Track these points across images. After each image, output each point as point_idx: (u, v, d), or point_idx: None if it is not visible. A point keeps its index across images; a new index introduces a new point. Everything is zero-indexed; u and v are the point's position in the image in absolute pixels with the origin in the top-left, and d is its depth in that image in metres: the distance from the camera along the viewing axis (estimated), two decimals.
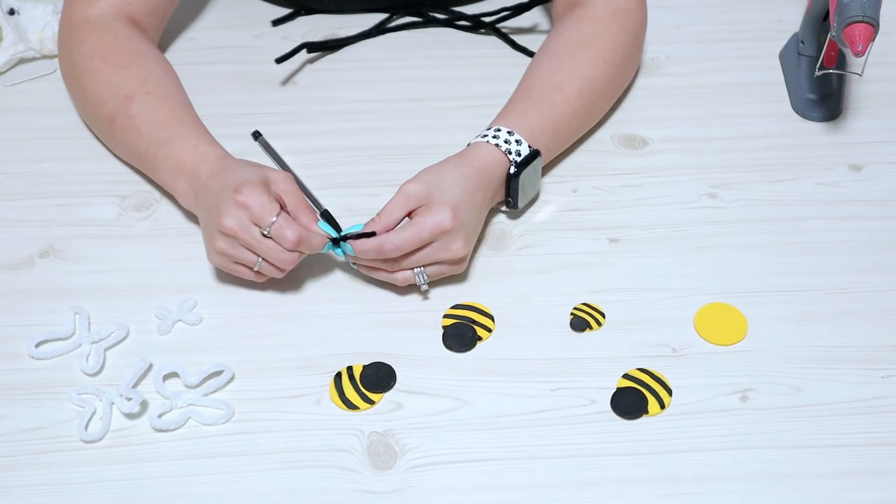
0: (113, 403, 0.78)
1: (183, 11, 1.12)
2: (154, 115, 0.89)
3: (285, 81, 1.05)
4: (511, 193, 0.88)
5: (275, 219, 0.79)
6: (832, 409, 0.78)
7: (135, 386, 0.79)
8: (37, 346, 0.81)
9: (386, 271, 0.84)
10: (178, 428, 0.77)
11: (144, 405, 0.78)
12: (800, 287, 0.86)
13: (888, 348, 0.82)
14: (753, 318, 0.84)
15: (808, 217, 0.92)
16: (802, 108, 1.01)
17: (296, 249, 0.80)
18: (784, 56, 1.07)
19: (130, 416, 0.78)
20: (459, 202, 0.82)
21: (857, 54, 0.85)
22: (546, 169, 0.95)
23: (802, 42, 1.04)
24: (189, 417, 0.77)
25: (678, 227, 0.91)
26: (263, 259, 0.80)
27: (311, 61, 1.07)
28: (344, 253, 0.83)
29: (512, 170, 0.87)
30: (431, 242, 0.82)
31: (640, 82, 1.05)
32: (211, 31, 1.11)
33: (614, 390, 0.79)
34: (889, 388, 0.79)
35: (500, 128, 0.88)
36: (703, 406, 0.78)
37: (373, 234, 0.82)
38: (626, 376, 0.80)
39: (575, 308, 0.85)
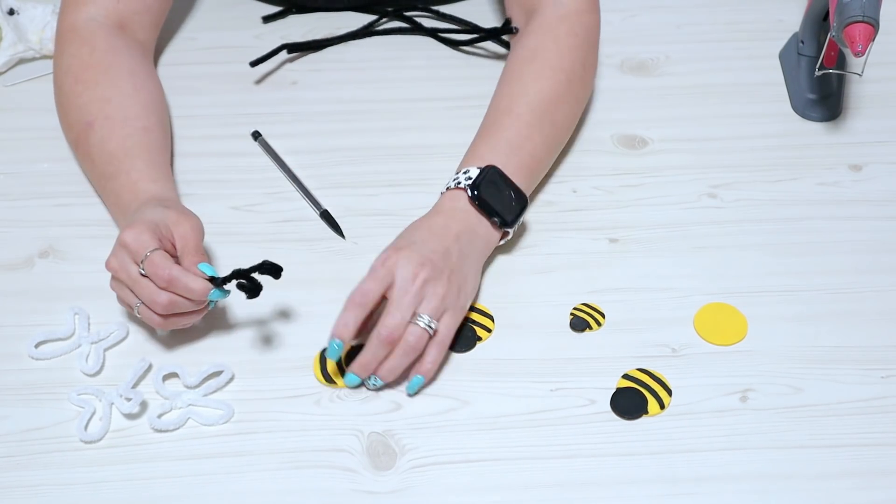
0: (113, 404, 0.78)
1: (181, 11, 1.12)
2: (106, 146, 0.88)
3: (285, 82, 1.05)
4: (490, 213, 0.84)
5: (147, 254, 0.76)
6: (832, 409, 0.78)
7: (134, 386, 0.79)
8: (36, 346, 0.81)
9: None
10: (178, 428, 0.77)
11: (144, 405, 0.78)
12: (800, 287, 0.86)
13: (888, 348, 0.82)
14: (753, 318, 0.84)
15: (808, 217, 0.92)
16: (802, 108, 1.01)
17: (168, 288, 0.76)
18: (784, 56, 1.07)
19: (130, 416, 0.78)
20: (406, 241, 0.81)
21: (857, 54, 0.85)
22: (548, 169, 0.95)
23: (802, 42, 1.04)
24: (189, 418, 0.77)
25: (678, 227, 0.91)
26: (141, 301, 0.77)
27: (311, 62, 1.07)
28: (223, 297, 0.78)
29: (469, 193, 0.84)
30: (392, 286, 0.78)
31: (640, 82, 1.05)
32: (209, 31, 1.11)
33: (614, 390, 0.79)
34: (889, 388, 0.79)
35: (456, 174, 0.86)
36: (703, 406, 0.78)
37: (278, 269, 0.77)
38: (625, 376, 0.80)
39: (575, 308, 0.85)
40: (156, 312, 0.77)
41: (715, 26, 1.12)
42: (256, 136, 0.99)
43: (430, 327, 0.78)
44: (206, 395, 0.79)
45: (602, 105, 1.02)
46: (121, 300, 0.80)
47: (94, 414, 0.77)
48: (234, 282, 0.77)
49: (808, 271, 0.88)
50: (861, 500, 0.73)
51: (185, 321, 0.79)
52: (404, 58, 1.08)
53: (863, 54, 0.85)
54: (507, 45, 1.07)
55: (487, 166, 0.85)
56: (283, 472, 0.75)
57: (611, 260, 0.89)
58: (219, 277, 0.77)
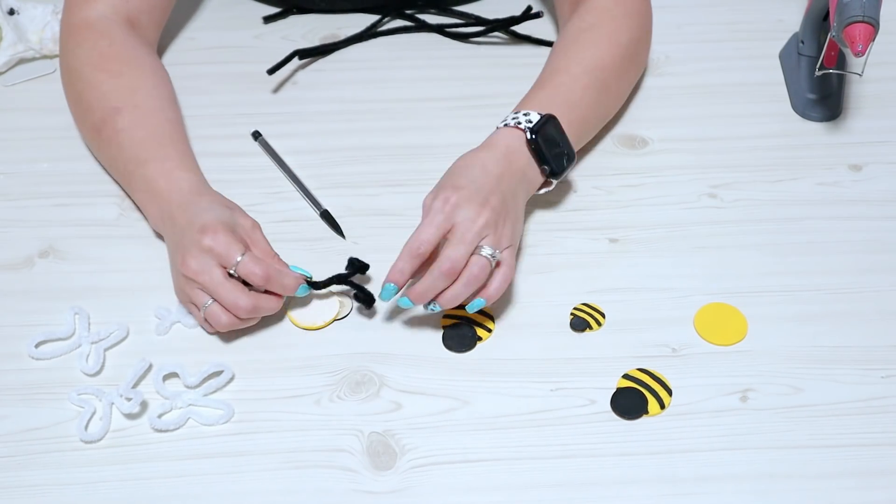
0: (113, 404, 0.78)
1: (181, 11, 1.12)
2: (137, 132, 0.89)
3: (285, 82, 1.05)
4: (542, 160, 0.85)
5: (240, 258, 0.78)
6: (832, 409, 0.78)
7: (135, 386, 0.79)
8: (37, 346, 0.81)
9: (441, 292, 0.80)
10: (178, 428, 0.77)
11: (144, 405, 0.78)
12: (800, 287, 0.86)
13: (888, 348, 0.82)
14: (753, 318, 0.84)
15: (808, 217, 0.92)
16: (802, 108, 1.01)
17: (265, 286, 0.79)
18: (784, 56, 1.07)
19: (130, 416, 0.78)
20: (465, 180, 0.81)
21: (857, 54, 0.85)
22: None
23: (802, 42, 1.04)
24: (189, 417, 0.77)
25: (678, 227, 0.91)
26: (215, 301, 0.79)
27: (310, 62, 1.07)
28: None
29: (528, 136, 0.85)
30: (454, 227, 0.79)
31: (641, 82, 1.05)
32: (210, 31, 1.11)
33: (614, 390, 0.79)
34: (889, 388, 0.79)
35: (512, 113, 0.88)
36: (703, 406, 0.78)
37: (365, 266, 0.84)
38: (626, 376, 0.80)
39: (575, 308, 0.85)
40: (235, 315, 0.79)
41: (715, 26, 1.12)
42: (256, 136, 0.99)
43: (492, 258, 0.79)
44: (206, 395, 0.79)
45: None
46: (185, 298, 0.82)
47: (94, 414, 0.77)
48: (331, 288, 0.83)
49: (808, 271, 0.88)
50: (861, 500, 0.73)
51: (245, 324, 0.81)
52: (405, 58, 1.08)
53: (863, 54, 0.85)
54: (522, 37, 1.07)
55: (548, 114, 0.87)
56: (283, 472, 0.75)
57: (611, 260, 0.89)
58: (318, 281, 0.82)
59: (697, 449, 0.76)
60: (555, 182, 0.88)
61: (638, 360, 0.81)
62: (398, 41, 1.10)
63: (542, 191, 0.88)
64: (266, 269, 0.79)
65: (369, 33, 1.10)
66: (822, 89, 1.01)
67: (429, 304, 0.80)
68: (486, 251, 0.79)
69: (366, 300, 0.83)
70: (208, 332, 0.83)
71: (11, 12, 1.05)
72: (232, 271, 0.79)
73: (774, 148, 0.99)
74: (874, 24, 0.85)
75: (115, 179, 0.94)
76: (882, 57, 1.00)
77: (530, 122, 0.86)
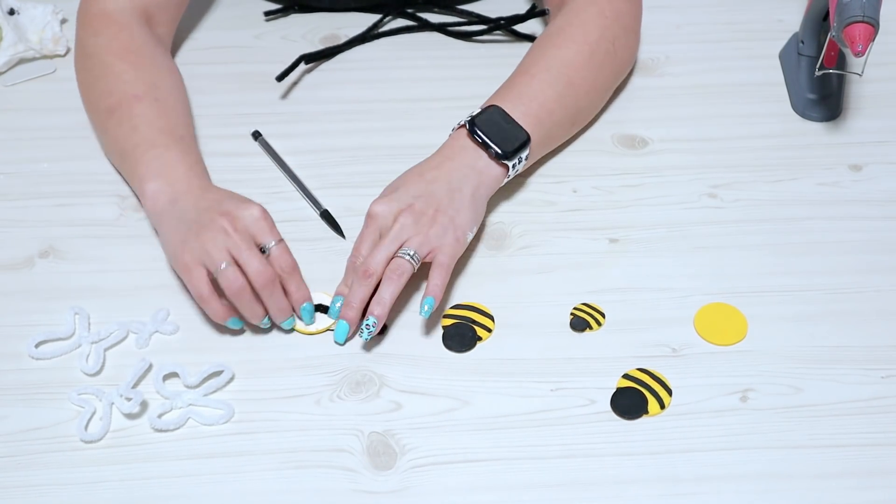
0: (113, 403, 0.78)
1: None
2: (156, 122, 0.89)
3: (286, 82, 1.05)
4: (486, 145, 0.87)
5: (276, 242, 0.81)
6: (832, 409, 0.78)
7: (135, 386, 0.79)
8: (37, 346, 0.81)
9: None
10: (178, 428, 0.77)
11: (144, 405, 0.78)
12: (800, 287, 0.86)
13: (888, 348, 0.82)
14: (753, 318, 0.84)
15: (808, 217, 0.92)
16: (802, 108, 1.01)
17: (284, 277, 0.81)
18: (784, 56, 1.07)
19: (130, 416, 0.78)
20: (390, 189, 0.86)
21: (857, 54, 0.85)
22: (546, 169, 0.95)
23: (802, 42, 1.04)
24: (189, 417, 0.77)
25: (678, 227, 0.91)
26: (235, 263, 0.79)
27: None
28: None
29: (463, 122, 0.88)
30: (381, 235, 0.83)
31: (640, 82, 1.05)
32: (211, 31, 1.11)
33: (614, 390, 0.79)
34: (889, 388, 0.79)
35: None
36: (703, 406, 0.78)
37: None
38: (626, 376, 0.80)
39: (575, 308, 0.85)
40: (253, 283, 0.79)
41: (715, 26, 1.12)
42: (256, 136, 0.99)
43: (413, 259, 0.81)
44: (206, 395, 0.79)
45: (602, 105, 1.02)
46: (197, 257, 0.80)
47: (94, 414, 0.77)
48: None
49: (808, 271, 0.88)
50: (861, 500, 0.73)
51: (251, 309, 0.81)
52: (405, 58, 1.08)
53: (863, 54, 0.85)
54: (524, 36, 1.07)
55: (490, 105, 0.90)
56: (283, 472, 0.75)
57: (611, 260, 0.89)
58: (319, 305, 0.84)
59: (697, 449, 0.76)
60: (511, 166, 0.88)
61: (638, 360, 0.81)
62: (399, 41, 1.10)
63: (506, 179, 0.90)
64: (294, 265, 0.82)
65: (372, 34, 1.10)
66: (822, 89, 1.01)
67: (364, 322, 0.80)
68: (406, 252, 0.81)
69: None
70: (199, 301, 0.80)
71: (11, 12, 1.05)
72: (268, 246, 0.81)
73: (774, 148, 0.99)
74: (874, 24, 0.85)
75: (111, 158, 0.94)
76: (882, 57, 1.01)
77: (470, 115, 0.89)
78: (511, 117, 0.89)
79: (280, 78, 1.02)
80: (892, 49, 1.06)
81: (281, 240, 0.82)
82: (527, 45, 1.07)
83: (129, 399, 0.77)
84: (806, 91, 1.01)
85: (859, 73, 0.94)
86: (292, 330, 0.83)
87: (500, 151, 0.87)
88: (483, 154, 0.87)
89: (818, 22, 1.02)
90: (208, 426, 0.77)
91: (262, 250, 0.81)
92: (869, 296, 0.86)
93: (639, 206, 0.93)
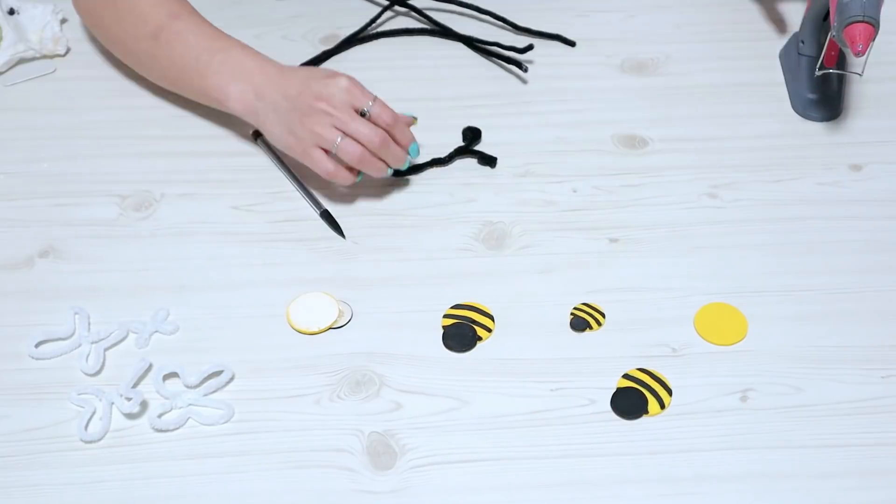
0: (113, 403, 0.78)
1: None
2: (204, 31, 0.93)
3: None
4: None
5: (372, 103, 0.87)
6: (832, 409, 0.78)
7: (135, 386, 0.79)
8: (37, 346, 0.81)
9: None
10: (178, 428, 0.77)
11: (144, 405, 0.78)
12: (800, 287, 0.86)
13: (888, 348, 0.82)
14: (753, 318, 0.84)
15: (808, 217, 0.92)
16: (802, 108, 1.01)
17: (390, 128, 0.88)
18: (784, 56, 1.07)
19: (130, 416, 0.78)
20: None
21: (858, 54, 0.85)
22: (546, 169, 0.95)
23: (802, 42, 1.03)
24: (189, 417, 0.77)
25: (678, 227, 0.91)
26: (347, 136, 0.86)
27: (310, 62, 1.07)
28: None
29: None
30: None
31: (641, 82, 1.05)
32: None
33: (614, 390, 0.79)
34: (889, 388, 0.79)
35: None
36: (703, 406, 0.78)
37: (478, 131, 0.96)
38: (626, 376, 0.80)
39: (575, 308, 0.85)
40: (368, 148, 0.87)
41: (715, 26, 1.12)
42: (256, 135, 0.99)
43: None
44: (206, 395, 0.79)
45: (602, 105, 1.02)
46: (310, 141, 0.87)
47: (94, 414, 0.77)
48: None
49: (808, 271, 0.88)
50: (861, 500, 0.73)
51: (375, 167, 0.89)
52: (405, 57, 1.08)
53: (863, 54, 0.85)
54: (518, 64, 1.06)
55: None
56: (283, 472, 0.75)
57: (611, 260, 0.89)
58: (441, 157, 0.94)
59: (697, 449, 0.76)
60: None
61: (638, 360, 0.81)
62: (398, 42, 1.10)
63: None
64: (393, 115, 0.88)
65: (371, 34, 1.10)
66: (822, 89, 1.01)
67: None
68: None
69: (489, 161, 0.95)
70: (328, 177, 0.88)
71: (11, 12, 1.05)
72: (366, 108, 0.87)
73: (774, 148, 0.99)
74: (874, 24, 0.85)
75: (166, 82, 0.97)
76: (882, 57, 1.01)
77: None
78: None
79: None
80: (892, 49, 1.06)
81: (375, 98, 0.88)
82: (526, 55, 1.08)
83: (129, 399, 0.77)
84: (806, 91, 1.01)
85: (860, 72, 0.94)
86: (409, 167, 0.93)
87: None
88: None
89: (818, 22, 1.02)
90: (208, 426, 0.77)
91: (363, 113, 0.87)
92: (869, 296, 0.86)
93: (639, 206, 0.93)
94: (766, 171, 0.96)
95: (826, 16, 1.00)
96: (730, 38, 1.11)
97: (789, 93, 1.03)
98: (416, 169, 0.94)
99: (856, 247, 0.89)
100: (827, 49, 0.95)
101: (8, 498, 0.73)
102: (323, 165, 0.88)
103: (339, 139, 0.86)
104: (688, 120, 1.01)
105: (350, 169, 0.89)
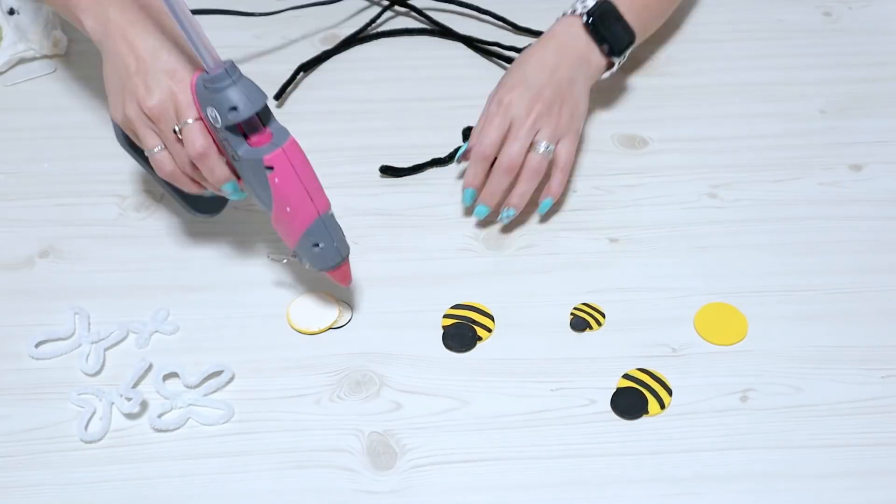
0: (113, 403, 0.78)
1: None
2: None
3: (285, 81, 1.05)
4: (600, 39, 0.91)
5: (191, 121, 0.75)
6: (832, 409, 0.78)
7: (135, 386, 0.79)
8: (37, 346, 0.81)
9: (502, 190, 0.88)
10: (178, 428, 0.77)
11: (144, 405, 0.78)
12: (800, 287, 0.86)
13: (888, 348, 0.82)
14: (753, 318, 0.84)
15: (808, 217, 0.92)
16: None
17: (197, 162, 0.76)
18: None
19: (130, 416, 0.78)
20: (517, 78, 0.89)
21: (348, 285, 0.83)
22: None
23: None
24: (189, 417, 0.77)
25: (678, 227, 0.91)
26: (162, 147, 0.77)
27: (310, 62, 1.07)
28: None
29: (584, 19, 0.91)
30: (510, 125, 0.88)
31: (641, 82, 1.05)
32: (210, 31, 1.10)
33: (614, 390, 0.79)
34: (889, 388, 0.79)
35: (572, 4, 0.94)
36: (703, 406, 0.78)
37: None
38: (626, 376, 0.80)
39: (575, 308, 0.85)
40: (179, 165, 0.77)
41: (715, 26, 1.12)
42: None
43: (548, 150, 0.87)
44: (206, 395, 0.79)
45: (602, 105, 1.02)
46: (137, 137, 0.78)
47: (94, 414, 0.77)
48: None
49: (808, 271, 0.88)
50: (861, 500, 0.73)
51: (190, 187, 0.79)
52: (405, 57, 1.08)
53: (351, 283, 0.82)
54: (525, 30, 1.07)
55: (603, 0, 0.93)
56: (283, 472, 0.75)
57: (611, 260, 0.89)
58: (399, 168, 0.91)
59: (697, 449, 0.76)
60: (616, 63, 0.94)
61: (638, 360, 0.81)
62: (398, 42, 1.10)
63: (606, 74, 0.94)
64: (205, 146, 0.75)
65: (370, 34, 1.10)
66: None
67: (503, 211, 0.88)
68: (541, 146, 0.87)
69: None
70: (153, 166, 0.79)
71: (11, 12, 1.05)
72: (177, 129, 0.75)
73: (774, 148, 0.99)
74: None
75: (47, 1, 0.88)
76: (882, 57, 1.01)
77: (585, 6, 0.92)
78: (620, 14, 0.93)
79: (278, 96, 1.02)
80: (892, 49, 1.06)
81: (196, 120, 0.75)
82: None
83: (129, 399, 0.77)
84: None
85: (286, 259, 0.85)
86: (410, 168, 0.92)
87: (614, 49, 0.92)
88: (595, 47, 0.92)
89: None
90: (208, 426, 0.77)
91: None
92: (869, 296, 0.86)
93: (639, 206, 0.93)
94: (766, 171, 0.96)
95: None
96: (730, 38, 1.11)
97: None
98: (417, 169, 0.94)
99: (856, 247, 0.89)
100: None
101: (8, 498, 0.73)
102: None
103: (157, 147, 0.77)
104: (688, 120, 1.01)
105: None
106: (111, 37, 0.78)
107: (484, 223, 0.91)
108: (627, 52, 0.95)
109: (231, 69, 0.73)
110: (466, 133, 0.96)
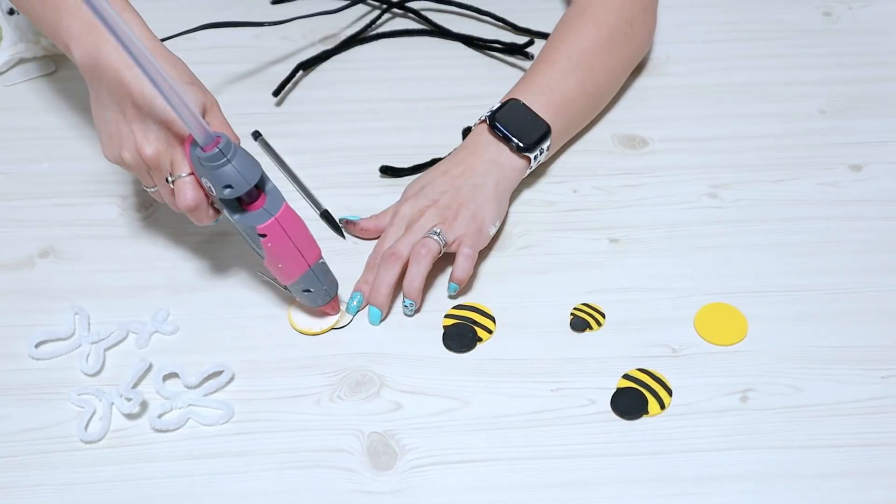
0: (113, 404, 0.78)
1: (181, 11, 1.12)
2: None
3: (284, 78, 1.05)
4: (506, 138, 0.89)
5: (184, 175, 0.76)
6: (832, 409, 0.78)
7: (135, 386, 0.79)
8: (37, 346, 0.81)
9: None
10: (178, 428, 0.77)
11: (144, 405, 0.78)
12: (800, 287, 0.86)
13: (888, 348, 0.82)
14: (753, 318, 0.84)
15: (809, 217, 0.92)
16: None
17: (188, 213, 0.78)
18: None
19: (130, 416, 0.78)
20: (416, 188, 0.88)
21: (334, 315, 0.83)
22: (546, 169, 0.95)
23: None
24: (189, 418, 0.77)
25: (678, 227, 0.91)
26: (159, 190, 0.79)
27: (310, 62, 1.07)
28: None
29: (484, 117, 0.90)
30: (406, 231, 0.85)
31: (640, 82, 1.05)
32: (211, 31, 1.11)
33: (614, 390, 0.79)
34: (889, 388, 0.79)
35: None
36: (703, 406, 0.78)
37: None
38: (626, 376, 0.80)
39: (575, 308, 0.85)
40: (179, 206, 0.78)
41: (715, 26, 1.12)
42: (256, 136, 0.99)
43: (440, 238, 0.83)
44: (206, 395, 0.79)
45: None
46: (133, 174, 0.80)
47: (94, 414, 0.77)
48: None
49: (808, 271, 0.88)
50: (861, 500, 0.73)
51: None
52: (405, 58, 1.08)
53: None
54: (522, 52, 1.06)
55: (510, 98, 0.92)
56: (283, 472, 0.75)
57: (611, 260, 0.89)
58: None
59: (697, 449, 0.76)
60: (533, 159, 0.90)
61: (638, 360, 0.81)
62: (398, 41, 1.10)
63: (529, 171, 0.92)
64: (196, 200, 0.76)
65: (369, 35, 1.10)
66: None
67: (403, 302, 0.83)
68: (433, 233, 0.83)
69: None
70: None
71: (11, 12, 1.06)
72: (169, 179, 0.77)
73: (774, 148, 0.99)
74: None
75: (31, 18, 0.83)
76: (882, 57, 1.01)
77: (490, 110, 0.91)
78: (531, 109, 0.91)
79: (276, 92, 1.02)
80: (892, 49, 1.06)
81: (189, 174, 0.76)
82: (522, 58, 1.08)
83: (129, 399, 0.77)
84: None
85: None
86: (410, 168, 0.91)
87: (520, 144, 0.89)
88: (505, 148, 0.90)
89: None
90: (208, 426, 0.77)
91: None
92: (869, 296, 0.86)
93: (639, 206, 0.93)
94: (766, 171, 0.96)
95: None
96: (730, 38, 1.11)
97: None
98: (417, 169, 0.94)
99: (856, 247, 0.89)
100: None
101: (8, 498, 0.73)
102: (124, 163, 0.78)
103: (153, 188, 0.80)
104: (688, 120, 1.01)
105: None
106: (104, 76, 0.75)
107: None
108: (546, 146, 0.91)
109: (226, 147, 0.72)
110: (466, 133, 0.96)
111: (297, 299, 0.83)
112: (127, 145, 0.77)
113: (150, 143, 0.76)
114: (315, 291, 0.81)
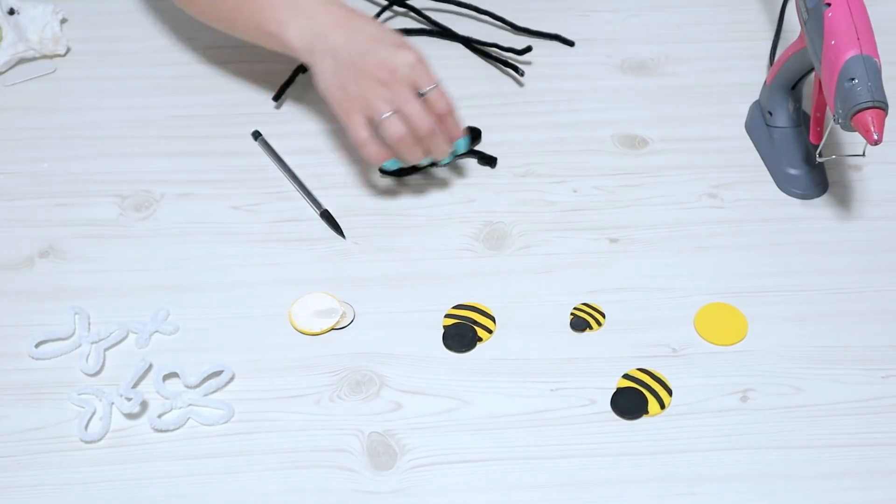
0: (113, 403, 0.78)
1: (181, 11, 1.11)
2: None
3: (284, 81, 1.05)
4: None
5: (432, 86, 0.84)
6: (832, 409, 0.78)
7: (135, 386, 0.79)
8: (37, 346, 0.81)
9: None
10: (178, 428, 0.77)
11: (144, 405, 0.78)
12: (800, 287, 0.86)
13: (888, 348, 0.82)
14: (753, 318, 0.84)
15: (808, 217, 0.92)
16: (787, 185, 0.94)
17: (439, 120, 0.84)
18: (751, 128, 0.99)
19: (130, 416, 0.78)
20: (346, 81, 0.87)
21: (875, 143, 0.80)
22: (546, 169, 0.95)
23: (770, 113, 0.96)
24: (189, 417, 0.77)
25: (678, 227, 0.91)
26: (393, 112, 0.84)
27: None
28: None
29: None
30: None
31: (640, 82, 1.05)
32: (210, 30, 1.11)
33: (614, 390, 0.79)
34: (889, 388, 0.79)
35: None
36: (703, 406, 0.78)
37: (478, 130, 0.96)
38: (626, 376, 0.80)
39: (575, 308, 0.85)
40: (415, 131, 0.84)
41: (715, 26, 1.12)
42: (256, 136, 0.99)
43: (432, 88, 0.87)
44: (206, 395, 0.79)
45: (602, 105, 1.02)
46: (363, 101, 0.85)
47: (94, 414, 0.77)
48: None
49: (808, 271, 0.88)
50: (861, 500, 0.73)
51: (412, 154, 0.87)
52: None
53: (880, 142, 0.80)
54: (514, 68, 1.06)
55: None
56: (283, 472, 0.75)
57: (611, 260, 0.89)
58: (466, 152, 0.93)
59: (697, 449, 0.76)
60: None
61: (638, 360, 0.81)
62: None
63: None
64: (450, 105, 0.85)
65: None
66: (804, 163, 0.94)
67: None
68: (424, 90, 0.86)
69: (489, 161, 0.95)
70: (358, 145, 0.86)
71: (11, 12, 1.06)
72: (425, 90, 0.84)
73: None
74: (885, 108, 0.79)
75: (220, 23, 0.96)
76: (882, 57, 1.00)
77: None
78: None
79: (277, 97, 1.02)
80: (892, 49, 1.06)
81: (437, 83, 0.85)
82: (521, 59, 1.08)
83: (129, 399, 0.77)
84: (787, 166, 0.94)
85: (861, 153, 0.89)
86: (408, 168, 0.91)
87: None
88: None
89: (787, 91, 0.95)
90: (208, 426, 0.77)
91: (421, 93, 0.85)
92: (869, 296, 0.86)
93: (639, 206, 0.93)
94: (766, 170, 0.96)
95: (795, 84, 0.94)
96: (730, 38, 1.11)
97: (769, 169, 0.95)
98: (418, 169, 0.94)
99: (856, 247, 0.89)
100: (812, 125, 0.90)
101: (8, 498, 0.73)
102: (359, 132, 0.85)
103: (387, 114, 0.84)
104: (688, 120, 1.01)
105: (383, 149, 0.86)
106: (329, 34, 0.84)
107: (486, 224, 0.90)
108: None
109: None
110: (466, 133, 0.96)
111: (837, 109, 0.80)
112: (362, 76, 0.83)
113: (397, 59, 0.83)
114: (858, 83, 0.79)
